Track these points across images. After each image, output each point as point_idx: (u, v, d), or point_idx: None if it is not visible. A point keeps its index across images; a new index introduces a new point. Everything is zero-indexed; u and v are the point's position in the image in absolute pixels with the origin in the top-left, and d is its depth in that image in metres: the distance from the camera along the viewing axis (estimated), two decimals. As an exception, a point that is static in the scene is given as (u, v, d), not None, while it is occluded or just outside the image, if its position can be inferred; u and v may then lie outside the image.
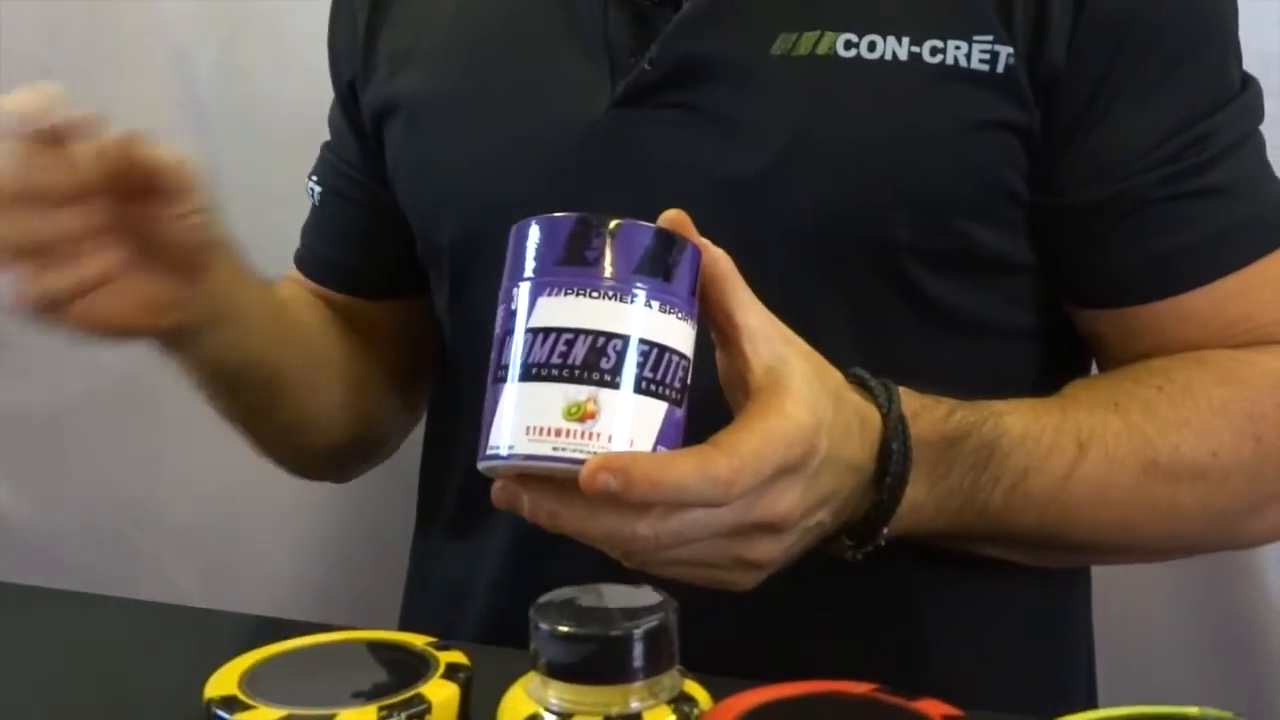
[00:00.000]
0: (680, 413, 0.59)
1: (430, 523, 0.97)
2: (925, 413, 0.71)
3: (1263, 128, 0.83)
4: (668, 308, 0.58)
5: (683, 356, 0.58)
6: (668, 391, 0.58)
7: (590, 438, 0.56)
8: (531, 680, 0.52)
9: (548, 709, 0.51)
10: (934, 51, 0.77)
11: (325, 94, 1.02)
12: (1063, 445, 0.75)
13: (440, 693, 0.54)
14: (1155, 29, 0.79)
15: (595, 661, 0.50)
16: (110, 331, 0.73)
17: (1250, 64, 0.83)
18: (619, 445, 0.56)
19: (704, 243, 0.61)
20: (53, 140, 0.66)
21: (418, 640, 0.59)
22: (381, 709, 0.52)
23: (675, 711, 0.51)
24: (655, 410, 0.57)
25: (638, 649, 0.50)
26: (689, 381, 0.59)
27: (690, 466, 0.57)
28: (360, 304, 1.01)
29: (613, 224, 0.57)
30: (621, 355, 0.56)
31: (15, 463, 1.44)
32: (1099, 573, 0.95)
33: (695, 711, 0.51)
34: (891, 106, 0.78)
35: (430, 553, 0.97)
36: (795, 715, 0.51)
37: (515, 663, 0.53)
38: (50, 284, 0.69)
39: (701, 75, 0.80)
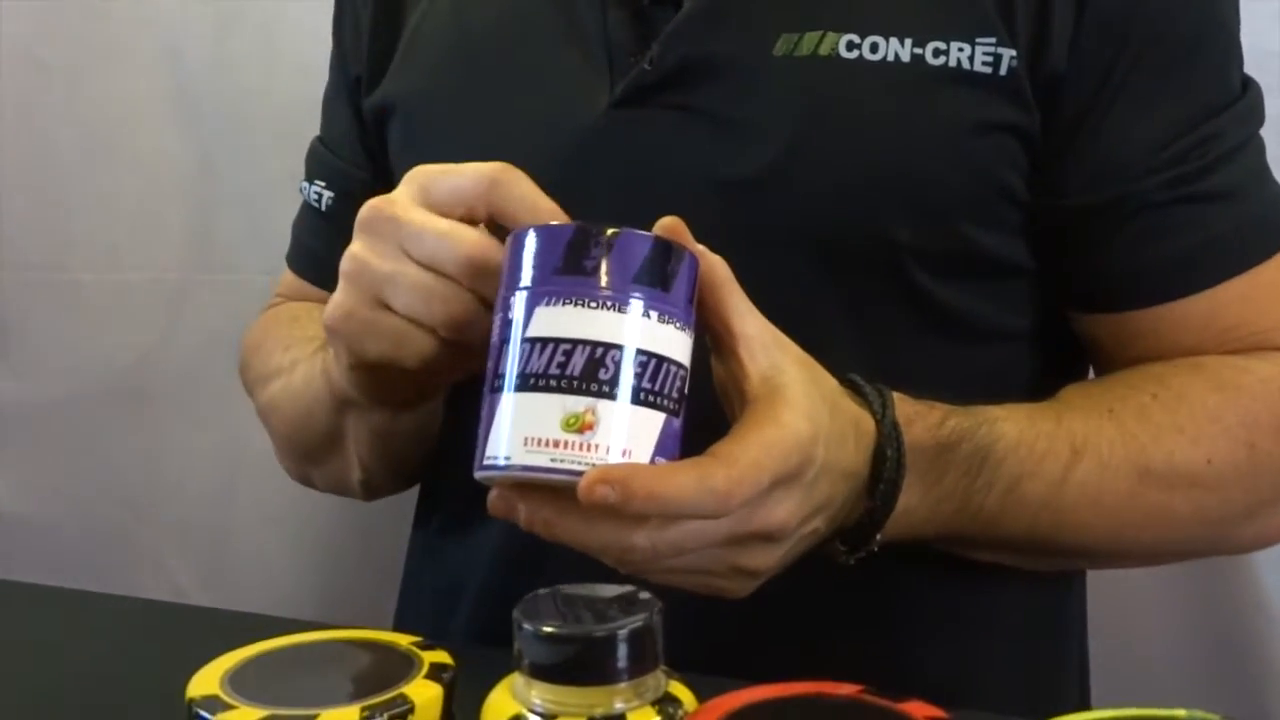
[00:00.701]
0: (678, 423, 0.59)
1: (426, 523, 0.97)
2: (919, 419, 0.71)
3: (1263, 128, 0.83)
4: (666, 317, 0.58)
5: (680, 366, 0.58)
6: (665, 402, 0.58)
7: (588, 449, 0.56)
8: (515, 681, 0.52)
9: (531, 710, 0.51)
10: (937, 53, 0.77)
11: (315, 88, 1.02)
12: (1056, 451, 0.75)
13: (424, 693, 0.54)
14: (1157, 33, 0.79)
15: (579, 662, 0.50)
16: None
17: (1249, 62, 0.83)
18: (617, 456, 0.56)
19: (701, 249, 0.61)
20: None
21: (402, 640, 0.58)
22: (364, 709, 0.52)
23: (660, 712, 0.51)
24: (653, 421, 0.57)
25: (622, 650, 0.50)
26: (686, 391, 0.59)
27: (688, 479, 0.57)
28: None
29: (610, 233, 0.57)
30: (619, 366, 0.56)
31: (14, 458, 1.45)
32: (1093, 574, 0.95)
33: (680, 712, 0.51)
34: (893, 108, 0.78)
35: (426, 553, 0.97)
36: (780, 716, 0.50)
37: (503, 662, 0.53)
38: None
39: (702, 76, 0.80)
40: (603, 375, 0.56)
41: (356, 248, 0.66)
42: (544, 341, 0.56)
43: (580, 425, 0.56)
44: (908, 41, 0.77)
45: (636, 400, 0.57)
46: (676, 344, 0.58)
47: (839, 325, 0.79)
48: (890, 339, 0.80)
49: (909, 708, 0.49)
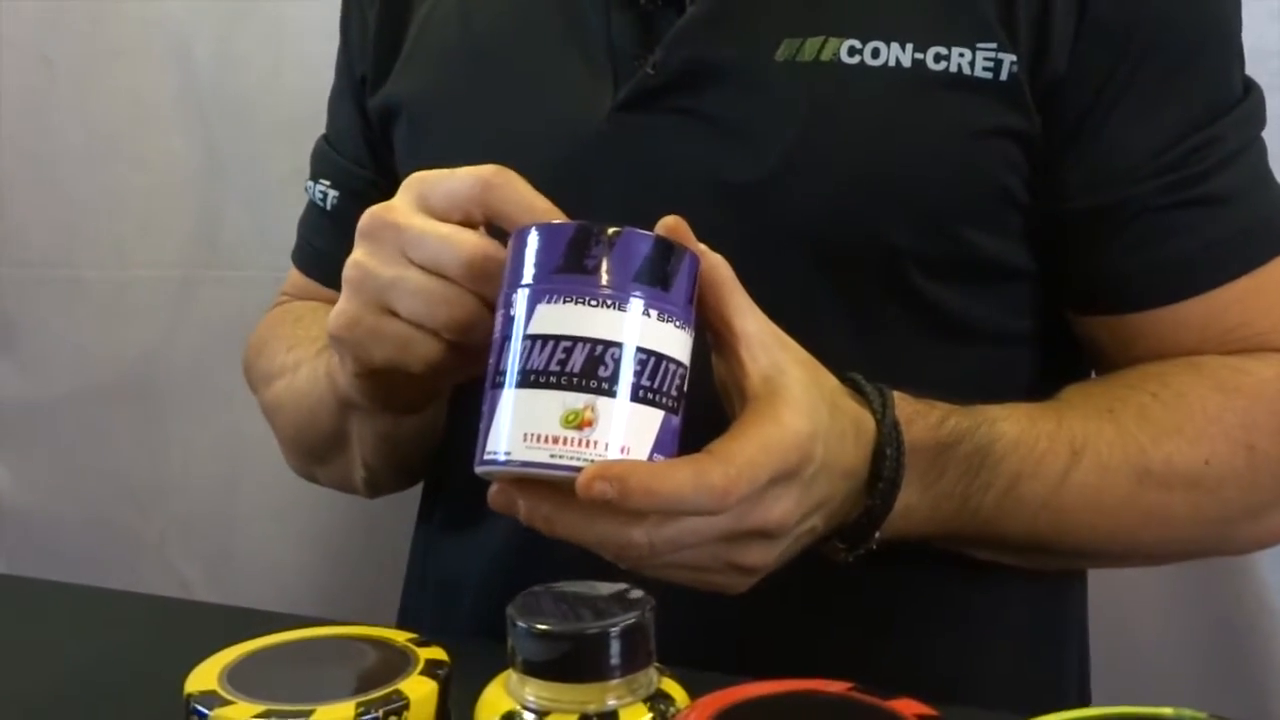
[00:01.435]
0: (677, 420, 0.59)
1: (430, 519, 0.97)
2: (919, 418, 0.71)
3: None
4: (665, 316, 0.58)
5: (680, 365, 0.59)
6: (664, 400, 0.58)
7: (587, 445, 0.56)
8: (509, 678, 0.52)
9: (525, 706, 0.51)
10: (938, 59, 0.77)
11: (322, 86, 1.02)
12: (1056, 452, 0.75)
13: (419, 689, 0.54)
14: (1158, 38, 0.79)
15: (571, 659, 0.50)
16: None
17: (1247, 61, 0.83)
18: (615, 453, 0.57)
19: (702, 249, 0.61)
20: None
21: (399, 636, 0.59)
22: (359, 705, 0.52)
23: (652, 709, 0.51)
24: (652, 418, 0.58)
25: (614, 647, 0.50)
26: (685, 389, 0.59)
27: (686, 475, 0.57)
28: None
29: (611, 232, 0.58)
30: (619, 364, 0.57)
31: (20, 453, 1.46)
32: (1095, 573, 0.95)
33: (672, 709, 0.52)
34: (895, 113, 0.78)
35: (428, 548, 0.97)
36: (770, 713, 0.51)
37: (501, 658, 0.53)
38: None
39: (705, 80, 0.80)
40: (602, 372, 0.56)
41: (359, 255, 0.66)
42: (545, 339, 0.57)
43: (579, 422, 0.56)
44: (909, 47, 0.77)
45: (636, 398, 0.57)
46: (676, 342, 0.58)
47: (839, 328, 0.79)
48: (891, 341, 0.80)
49: (899, 705, 0.50)
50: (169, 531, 1.43)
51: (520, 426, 0.57)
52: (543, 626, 0.50)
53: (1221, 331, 0.80)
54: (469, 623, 0.89)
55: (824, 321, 0.77)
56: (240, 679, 0.55)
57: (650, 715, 0.51)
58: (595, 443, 0.56)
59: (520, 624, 0.51)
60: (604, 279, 0.57)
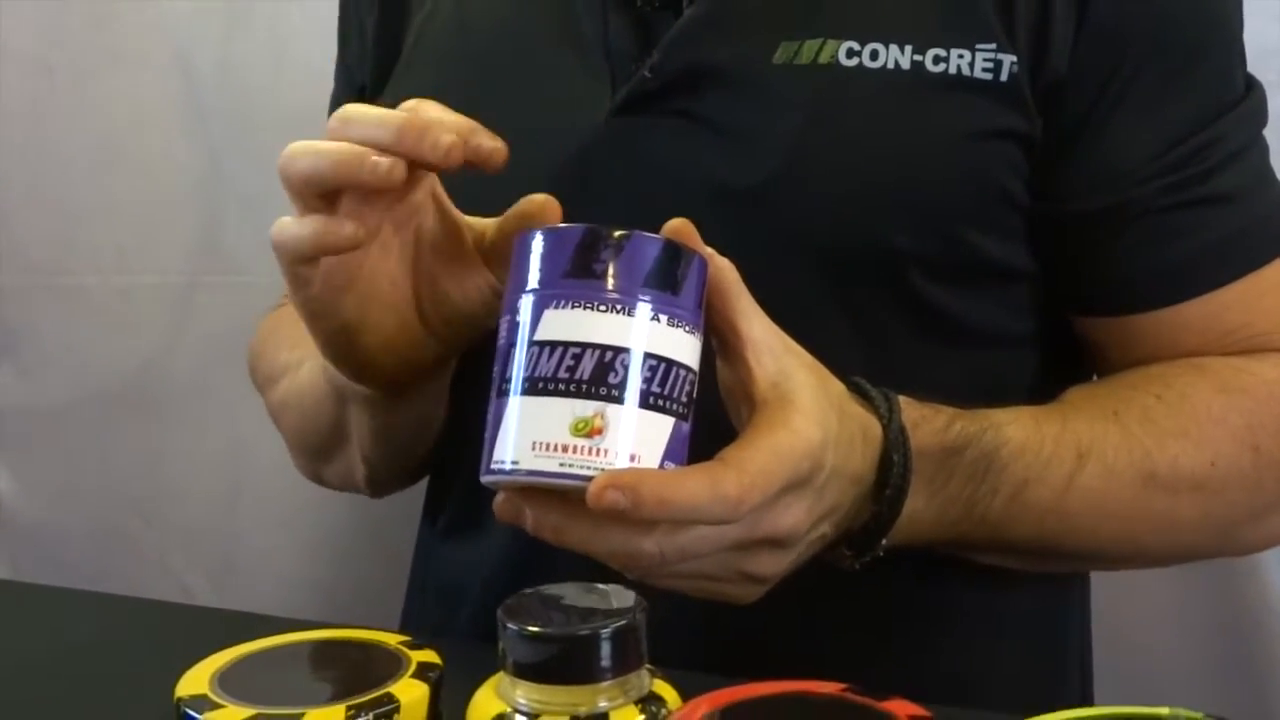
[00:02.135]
0: (687, 427, 0.58)
1: (432, 524, 0.97)
2: (925, 423, 0.71)
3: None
4: (675, 321, 0.57)
5: (689, 370, 0.58)
6: (674, 406, 0.57)
7: (597, 454, 0.55)
8: (501, 680, 0.52)
9: (516, 709, 0.51)
10: (937, 60, 0.77)
11: (323, 92, 1.02)
12: (1062, 456, 0.75)
13: (410, 692, 0.54)
14: (1157, 36, 0.78)
15: (562, 661, 0.50)
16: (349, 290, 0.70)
17: (1248, 60, 0.82)
18: (625, 461, 0.56)
19: (709, 252, 0.60)
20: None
21: (391, 639, 0.59)
22: (350, 708, 0.52)
23: (643, 711, 0.51)
24: (662, 425, 0.57)
25: (605, 649, 0.50)
26: (695, 395, 0.59)
27: (699, 484, 0.56)
28: None
29: (619, 235, 0.57)
30: (628, 370, 0.56)
31: (21, 460, 1.46)
32: (1097, 574, 0.95)
33: (663, 711, 0.52)
34: (894, 115, 0.77)
35: (431, 553, 0.97)
36: (763, 715, 0.51)
37: (495, 661, 0.53)
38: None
39: (703, 83, 0.79)
40: (612, 379, 0.55)
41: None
42: (553, 345, 0.56)
43: (589, 430, 0.55)
44: (908, 49, 0.77)
45: (645, 404, 0.56)
46: (685, 347, 0.58)
47: (840, 331, 0.79)
48: (892, 344, 0.80)
49: (892, 706, 0.49)
50: (171, 539, 1.43)
51: (528, 435, 0.56)
52: (533, 629, 0.50)
53: (1223, 332, 0.80)
54: (472, 627, 0.89)
55: (824, 324, 0.77)
56: (232, 683, 0.55)
57: (642, 717, 0.51)
58: (605, 451, 0.55)
59: (511, 626, 0.51)
60: (611, 283, 0.56)
